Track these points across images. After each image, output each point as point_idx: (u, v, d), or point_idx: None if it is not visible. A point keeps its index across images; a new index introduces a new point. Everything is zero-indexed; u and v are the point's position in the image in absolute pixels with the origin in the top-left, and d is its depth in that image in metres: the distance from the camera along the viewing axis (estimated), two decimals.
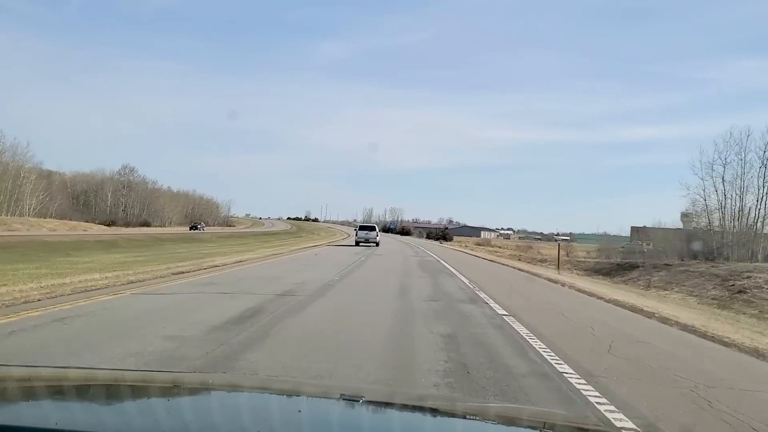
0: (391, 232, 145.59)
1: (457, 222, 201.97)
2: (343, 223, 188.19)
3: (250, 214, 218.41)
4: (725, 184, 38.11)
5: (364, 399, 2.13)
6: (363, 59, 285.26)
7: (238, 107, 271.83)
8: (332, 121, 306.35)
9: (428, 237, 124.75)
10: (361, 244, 44.43)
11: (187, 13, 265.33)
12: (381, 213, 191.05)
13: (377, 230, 47.90)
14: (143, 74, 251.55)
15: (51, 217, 78.52)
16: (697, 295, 22.51)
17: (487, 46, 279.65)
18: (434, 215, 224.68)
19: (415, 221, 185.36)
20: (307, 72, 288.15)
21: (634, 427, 4.37)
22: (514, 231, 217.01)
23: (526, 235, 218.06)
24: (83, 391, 2.08)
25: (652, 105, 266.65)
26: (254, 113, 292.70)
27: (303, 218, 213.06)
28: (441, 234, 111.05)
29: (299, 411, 1.94)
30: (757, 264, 29.16)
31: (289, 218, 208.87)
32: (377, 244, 44.98)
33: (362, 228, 48.37)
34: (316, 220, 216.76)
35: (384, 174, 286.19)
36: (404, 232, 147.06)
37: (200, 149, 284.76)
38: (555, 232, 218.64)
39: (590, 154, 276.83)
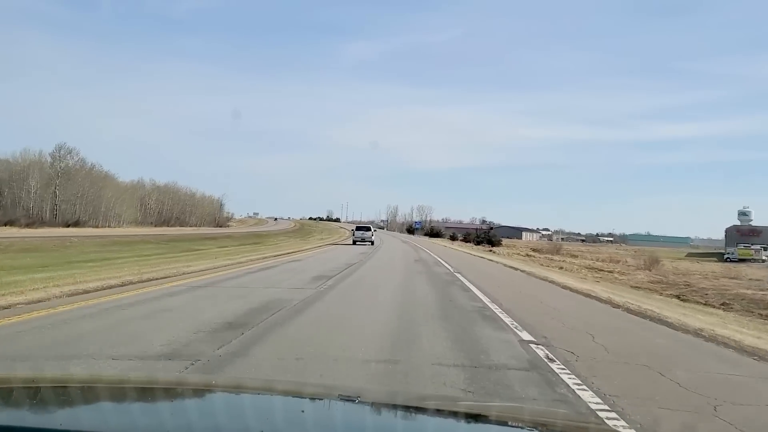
0: (417, 234, 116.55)
1: (490, 221, 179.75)
2: (369, 223, 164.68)
3: (258, 213, 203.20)
4: None
5: (366, 399, 2.15)
6: (390, 59, 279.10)
7: (263, 108, 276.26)
8: (358, 120, 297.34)
9: (466, 240, 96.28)
10: (357, 243, 45.49)
11: (210, 15, 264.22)
12: (407, 212, 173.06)
13: (372, 230, 50.66)
14: (167, 76, 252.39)
15: None
16: None
17: (517, 44, 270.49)
18: (464, 215, 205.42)
19: (445, 220, 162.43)
20: (335, 72, 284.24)
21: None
22: (550, 231, 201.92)
23: (567, 236, 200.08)
24: (88, 392, 2.07)
25: (684, 102, 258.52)
26: (280, 114, 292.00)
27: (325, 218, 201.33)
28: (484, 236, 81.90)
29: (302, 411, 1.93)
30: None
31: (310, 218, 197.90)
32: (372, 243, 45.82)
33: (358, 228, 50.18)
34: (337, 219, 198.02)
35: (410, 173, 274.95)
36: (433, 233, 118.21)
37: (222, 150, 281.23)
38: (594, 233, 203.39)
39: (622, 153, 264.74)
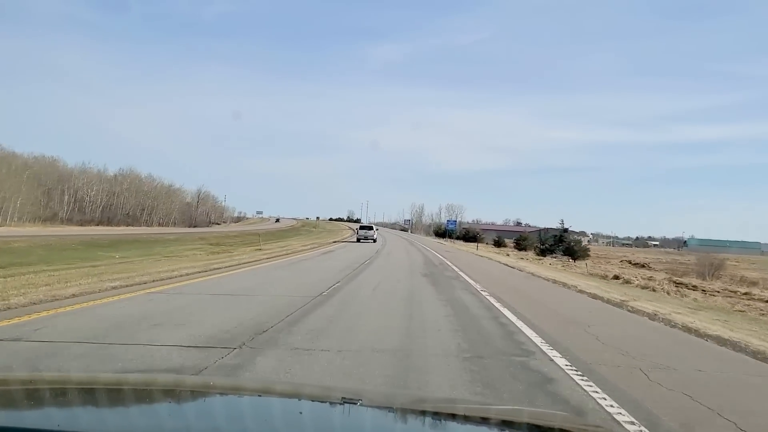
0: (448, 237, 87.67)
1: (527, 224, 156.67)
2: (393, 225, 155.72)
3: (262, 212, 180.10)
4: None
5: (364, 401, 2.14)
6: (418, 61, 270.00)
7: (287, 110, 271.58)
8: (382, 123, 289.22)
9: (519, 247, 67.73)
10: (361, 240, 47.84)
11: (240, 20, 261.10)
12: (434, 211, 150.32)
13: (374, 229, 53.57)
14: (197, 78, 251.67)
15: None
16: None
17: (544, 46, 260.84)
18: (495, 216, 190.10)
19: (476, 222, 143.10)
20: (362, 75, 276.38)
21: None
22: (588, 234, 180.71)
23: (612, 240, 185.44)
24: (85, 393, 2.06)
25: (718, 104, 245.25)
26: (303, 116, 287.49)
27: (345, 218, 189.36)
28: (556, 241, 52.83)
29: (300, 413, 1.93)
30: None
31: (330, 218, 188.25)
32: (374, 240, 48.17)
33: (362, 227, 54.20)
34: (358, 220, 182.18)
35: (435, 175, 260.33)
36: (469, 236, 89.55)
37: (243, 151, 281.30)
38: (635, 236, 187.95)
39: (650, 155, 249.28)
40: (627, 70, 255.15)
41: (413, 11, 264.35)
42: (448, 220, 77.67)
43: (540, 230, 59.18)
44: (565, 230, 53.04)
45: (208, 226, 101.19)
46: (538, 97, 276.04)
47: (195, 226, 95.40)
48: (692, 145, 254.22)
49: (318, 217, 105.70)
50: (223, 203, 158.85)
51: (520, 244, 66.78)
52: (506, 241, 79.92)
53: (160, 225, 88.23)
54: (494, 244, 78.32)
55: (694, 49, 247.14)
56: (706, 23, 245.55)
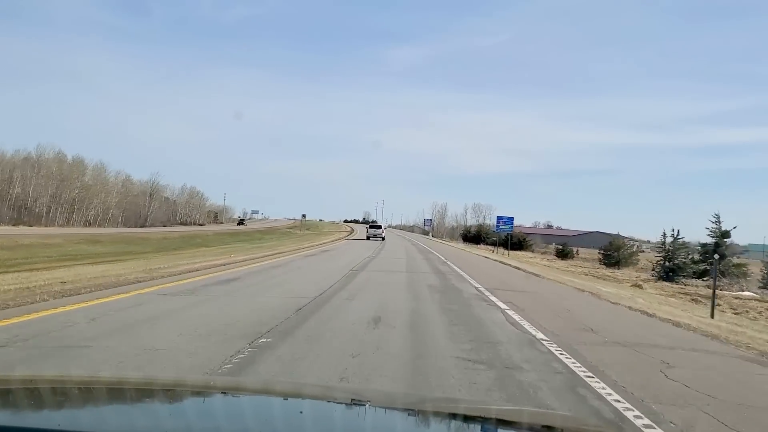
0: (477, 243, 61.10)
1: (557, 227, 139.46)
2: (412, 228, 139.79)
3: (260, 212, 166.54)
4: None
5: (364, 400, 2.14)
6: (437, 63, 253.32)
7: (307, 113, 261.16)
8: (403, 125, 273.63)
9: (608, 262, 41.77)
10: (371, 239, 51.03)
11: (260, 23, 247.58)
12: (459, 212, 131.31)
13: (383, 228, 59.37)
14: (218, 81, 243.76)
15: None
16: None
17: (565, 48, 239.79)
18: (522, 219, 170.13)
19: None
20: (381, 77, 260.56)
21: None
22: (635, 239, 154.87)
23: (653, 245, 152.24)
24: (86, 393, 2.06)
25: (744, 106, 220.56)
26: (323, 118, 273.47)
27: (361, 220, 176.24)
28: (711, 251, 27.80)
29: (301, 412, 1.93)
30: None
31: (345, 220, 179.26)
32: (383, 239, 50.88)
33: (371, 227, 58.75)
34: (374, 221, 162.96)
35: (455, 178, 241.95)
36: (513, 243, 64.14)
37: (260, 154, 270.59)
38: (665, 238, 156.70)
39: (675, 158, 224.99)
40: (643, 72, 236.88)
41: (435, 13, 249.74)
42: (499, 218, 51.92)
43: (671, 242, 33.14)
44: (725, 234, 28.01)
45: (164, 227, 77.69)
46: (556, 100, 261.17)
47: (144, 226, 71.81)
48: (716, 148, 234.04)
49: (304, 215, 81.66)
50: (223, 203, 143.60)
51: (611, 257, 41.29)
52: (575, 249, 54.30)
53: (86, 224, 64.77)
54: (557, 255, 53.02)
55: (717, 51, 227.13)
56: (728, 24, 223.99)
